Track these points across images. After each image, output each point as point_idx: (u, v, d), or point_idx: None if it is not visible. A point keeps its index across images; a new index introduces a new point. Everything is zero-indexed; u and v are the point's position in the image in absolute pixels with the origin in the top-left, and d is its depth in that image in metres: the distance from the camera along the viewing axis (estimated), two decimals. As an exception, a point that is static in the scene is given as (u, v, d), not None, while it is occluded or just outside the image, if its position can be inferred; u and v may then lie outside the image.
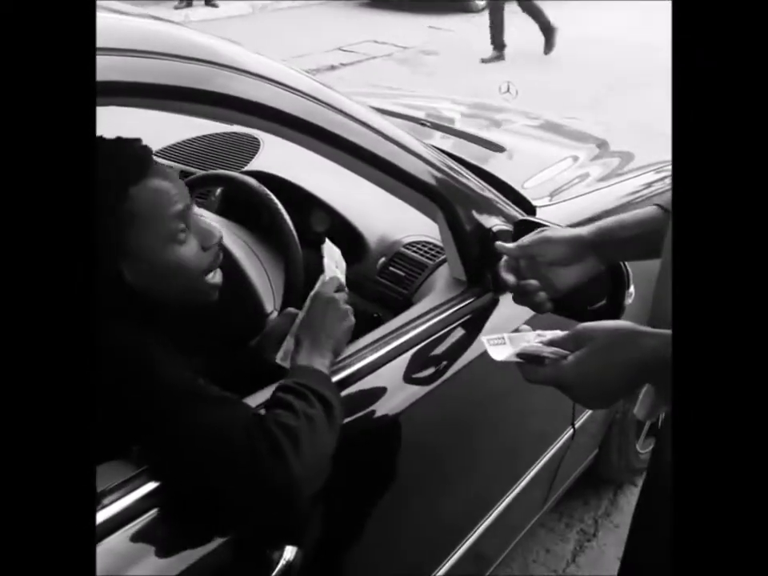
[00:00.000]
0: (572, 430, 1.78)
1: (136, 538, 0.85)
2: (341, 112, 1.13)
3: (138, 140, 1.01)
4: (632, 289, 1.25)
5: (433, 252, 1.60)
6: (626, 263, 1.24)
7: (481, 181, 1.47)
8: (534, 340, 0.95)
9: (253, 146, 2.07)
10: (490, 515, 1.55)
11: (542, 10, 7.59)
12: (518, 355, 0.93)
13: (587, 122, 2.99)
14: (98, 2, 0.75)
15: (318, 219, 1.78)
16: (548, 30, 7.64)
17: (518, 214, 1.52)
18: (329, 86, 1.16)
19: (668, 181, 2.01)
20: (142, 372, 0.89)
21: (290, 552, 0.97)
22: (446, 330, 1.34)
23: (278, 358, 1.15)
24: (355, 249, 1.69)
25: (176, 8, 9.04)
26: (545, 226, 1.26)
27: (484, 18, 7.84)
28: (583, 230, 1.14)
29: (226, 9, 9.45)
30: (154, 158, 1.01)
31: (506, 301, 1.33)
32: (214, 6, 9.52)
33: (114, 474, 0.87)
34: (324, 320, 1.12)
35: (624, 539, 1.24)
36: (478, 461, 1.50)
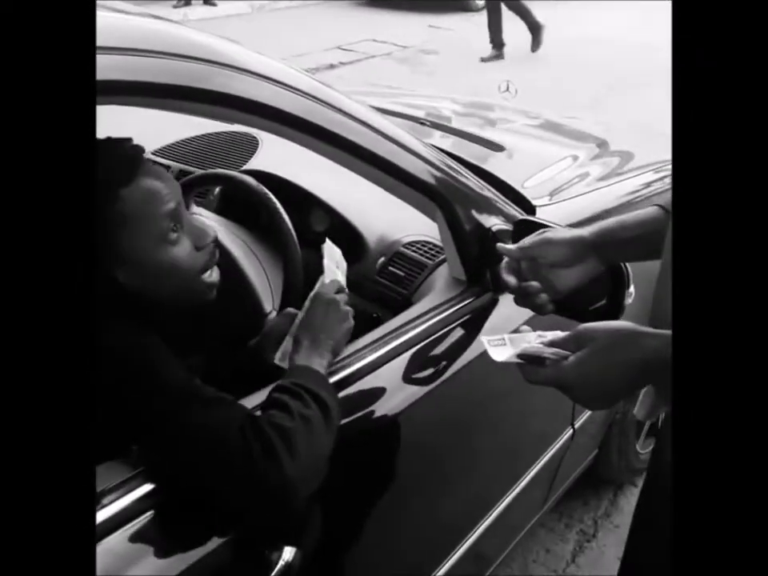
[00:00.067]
0: (572, 430, 1.78)
1: (136, 537, 0.85)
2: (340, 111, 1.13)
3: (129, 140, 1.00)
4: (632, 288, 1.25)
5: (432, 252, 1.60)
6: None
7: (480, 180, 1.47)
8: (534, 341, 0.95)
9: (252, 145, 2.07)
10: (490, 515, 1.55)
11: (528, 9, 7.57)
12: (519, 356, 0.93)
13: (587, 122, 2.98)
14: (97, 2, 0.75)
15: (317, 218, 1.78)
16: (535, 29, 7.64)
17: (518, 213, 1.52)
18: (328, 85, 1.16)
19: (667, 180, 2.01)
20: (137, 372, 0.89)
21: (289, 552, 0.97)
22: (445, 329, 1.34)
23: (277, 359, 1.15)
24: (354, 248, 1.68)
25: (175, 7, 9.05)
26: (544, 225, 1.26)
27: (483, 17, 7.83)
28: (584, 231, 1.14)
29: (225, 8, 9.45)
30: (150, 156, 1.01)
31: (506, 300, 1.33)
32: (213, 4, 9.52)
33: (114, 474, 0.87)
34: (324, 321, 1.12)
35: (624, 539, 1.24)
36: (477, 461, 1.50)
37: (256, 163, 1.97)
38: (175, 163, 2.04)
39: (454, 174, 1.38)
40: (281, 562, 0.95)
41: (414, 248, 1.63)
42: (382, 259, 1.66)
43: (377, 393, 1.19)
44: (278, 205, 1.51)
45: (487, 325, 1.40)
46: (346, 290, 1.21)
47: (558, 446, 1.73)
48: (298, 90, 1.07)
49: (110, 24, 0.89)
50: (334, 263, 1.23)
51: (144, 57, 0.88)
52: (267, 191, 1.53)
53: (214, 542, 0.91)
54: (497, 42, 7.59)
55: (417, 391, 1.26)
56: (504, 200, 1.50)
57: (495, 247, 1.18)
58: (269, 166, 1.89)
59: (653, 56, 5.50)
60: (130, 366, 0.89)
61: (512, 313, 1.32)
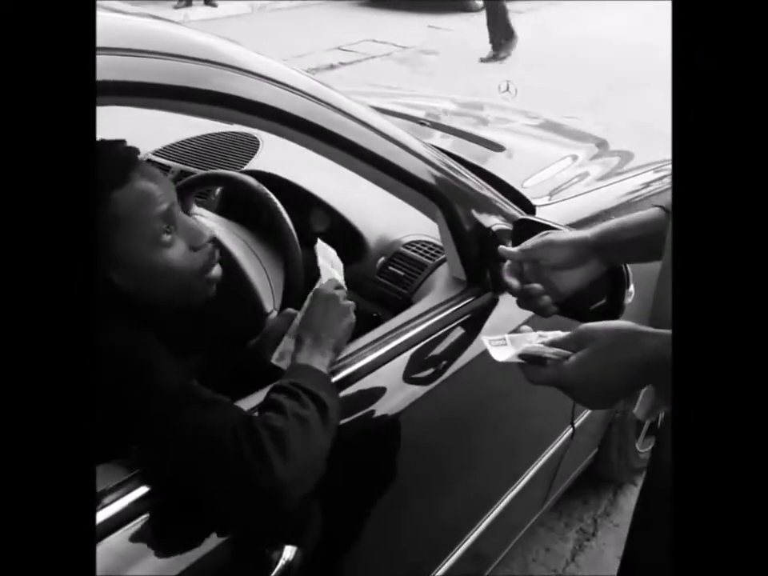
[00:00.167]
0: (571, 429, 1.78)
1: (136, 537, 0.85)
2: (340, 111, 1.13)
3: (122, 141, 0.99)
4: (632, 288, 1.25)
5: (432, 251, 1.60)
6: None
7: (480, 180, 1.47)
8: (535, 341, 0.95)
9: (252, 146, 2.07)
10: (490, 515, 1.55)
11: (506, 14, 7.49)
12: (520, 356, 0.93)
13: (587, 122, 2.99)
14: (97, 2, 0.75)
15: (318, 219, 1.78)
16: (509, 36, 7.53)
17: (518, 213, 1.52)
18: (328, 86, 1.16)
19: (666, 180, 2.01)
20: (133, 372, 0.89)
21: (289, 552, 0.97)
22: (445, 329, 1.34)
23: (274, 359, 1.15)
24: (355, 248, 1.69)
25: (175, 7, 9.05)
26: (544, 224, 1.26)
27: (483, 17, 7.84)
28: (586, 233, 1.13)
29: (225, 8, 9.45)
30: (149, 156, 1.00)
31: (506, 300, 1.33)
32: (213, 5, 9.53)
33: (114, 474, 0.87)
34: (324, 318, 1.11)
35: (623, 538, 1.24)
36: (477, 460, 1.50)
37: (257, 163, 1.97)
38: (176, 164, 2.04)
39: (454, 174, 1.38)
40: (281, 562, 0.95)
41: (414, 248, 1.63)
42: (382, 259, 1.66)
43: (377, 392, 1.19)
44: (279, 205, 1.51)
45: (487, 324, 1.40)
46: (345, 287, 1.21)
47: (557, 445, 1.74)
48: (299, 90, 1.07)
49: (110, 24, 0.89)
50: (328, 262, 1.23)
51: (144, 57, 0.88)
52: (268, 191, 1.53)
53: (214, 542, 0.91)
54: (497, 42, 7.58)
55: (417, 391, 1.26)
56: (504, 200, 1.51)
57: (495, 247, 1.18)
58: (269, 167, 1.89)
59: (653, 56, 5.50)
60: (125, 366, 0.89)
61: (512, 312, 1.32)
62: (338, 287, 1.18)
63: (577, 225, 1.50)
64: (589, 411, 1.81)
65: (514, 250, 1.15)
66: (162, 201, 0.97)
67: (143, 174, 0.97)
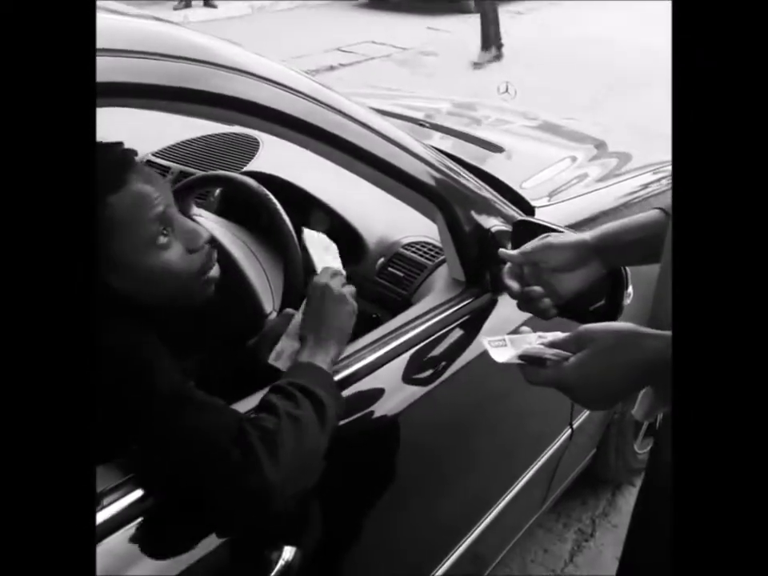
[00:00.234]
0: (570, 430, 1.78)
1: (136, 538, 0.85)
2: (340, 113, 1.13)
3: (119, 144, 0.99)
4: (630, 289, 1.25)
5: (432, 253, 1.60)
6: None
7: (479, 181, 1.47)
8: (535, 342, 0.95)
9: (252, 147, 2.07)
10: (489, 515, 1.55)
11: (497, 19, 7.47)
12: (520, 357, 0.93)
13: (585, 123, 2.99)
14: (98, 3, 0.75)
15: (317, 220, 1.78)
16: (497, 43, 7.53)
17: (517, 214, 1.52)
18: (328, 87, 1.16)
19: (665, 181, 2.02)
20: (130, 373, 0.89)
21: (288, 552, 0.97)
22: (444, 330, 1.34)
23: (271, 359, 1.14)
24: (354, 249, 1.69)
25: (175, 9, 9.06)
26: (543, 225, 1.26)
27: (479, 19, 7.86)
28: (585, 235, 1.13)
29: (225, 9, 9.46)
30: (149, 158, 1.00)
31: (505, 301, 1.33)
32: (213, 6, 9.54)
33: (114, 474, 0.87)
34: (322, 311, 1.11)
35: (622, 539, 1.24)
36: (476, 461, 1.50)
37: (256, 165, 1.97)
38: (176, 165, 2.04)
39: (454, 176, 1.38)
40: (281, 562, 0.95)
41: (413, 249, 1.63)
42: (382, 260, 1.66)
43: (376, 393, 1.20)
44: (279, 206, 1.51)
45: (486, 325, 1.40)
46: (342, 270, 1.19)
47: (556, 446, 1.74)
48: (298, 91, 1.07)
49: (109, 26, 0.89)
50: (321, 249, 1.21)
51: (144, 59, 0.88)
52: (268, 192, 1.53)
53: (214, 543, 0.91)
54: (489, 44, 7.55)
55: (416, 392, 1.26)
56: (503, 201, 1.51)
57: (495, 248, 1.18)
58: (269, 168, 1.89)
59: (652, 56, 5.50)
60: (123, 367, 0.89)
61: (511, 313, 1.32)
62: (335, 273, 1.16)
63: (576, 226, 1.50)
64: (587, 412, 1.81)
65: (514, 252, 1.15)
66: (158, 203, 0.97)
67: (140, 177, 0.96)
